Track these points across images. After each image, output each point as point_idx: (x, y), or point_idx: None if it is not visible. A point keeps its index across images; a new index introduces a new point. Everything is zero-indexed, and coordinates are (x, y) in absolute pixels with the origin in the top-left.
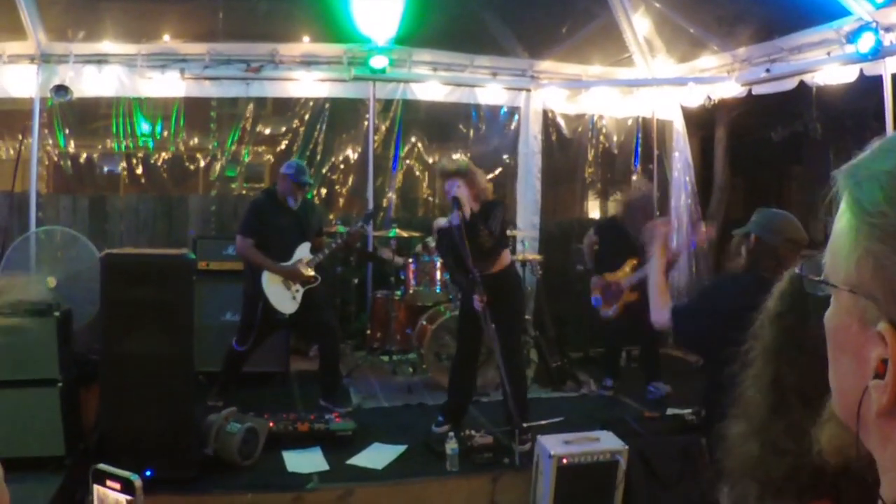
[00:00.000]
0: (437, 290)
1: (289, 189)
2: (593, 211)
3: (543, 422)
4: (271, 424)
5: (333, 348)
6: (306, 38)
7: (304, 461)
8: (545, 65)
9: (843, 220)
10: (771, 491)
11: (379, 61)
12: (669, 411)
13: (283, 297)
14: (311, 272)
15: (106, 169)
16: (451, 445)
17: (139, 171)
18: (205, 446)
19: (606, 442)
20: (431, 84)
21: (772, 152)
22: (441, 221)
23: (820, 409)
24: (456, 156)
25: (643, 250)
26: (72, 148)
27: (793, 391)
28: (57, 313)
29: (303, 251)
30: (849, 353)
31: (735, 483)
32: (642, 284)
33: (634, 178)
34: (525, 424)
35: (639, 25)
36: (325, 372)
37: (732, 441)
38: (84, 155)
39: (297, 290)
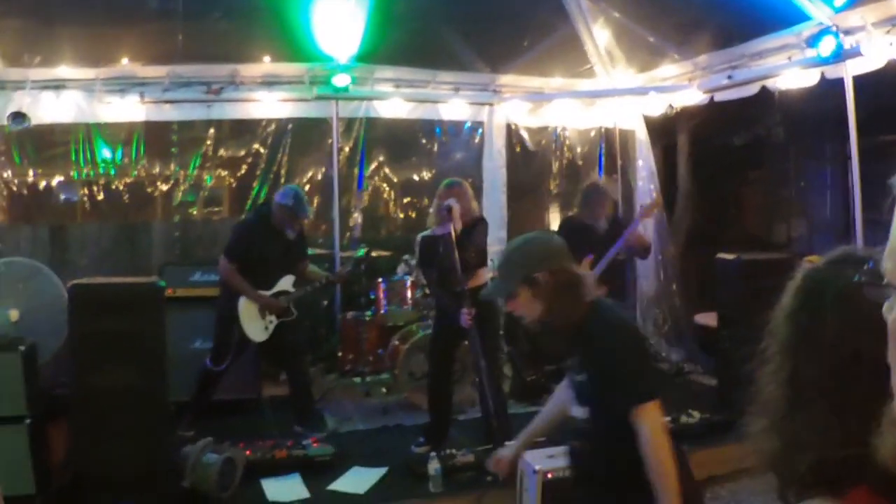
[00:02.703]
0: (409, 310)
1: (287, 220)
2: (558, 222)
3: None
4: (248, 453)
5: (302, 371)
6: (267, 58)
7: (285, 489)
8: (507, 78)
9: None
10: (797, 485)
11: (341, 79)
12: None
13: (256, 325)
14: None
15: (66, 197)
16: (434, 465)
17: (100, 197)
18: (181, 479)
19: None
20: (394, 101)
21: (733, 157)
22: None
23: (841, 403)
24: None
25: (605, 242)
26: (30, 176)
27: (812, 385)
28: (22, 348)
29: (286, 282)
30: None
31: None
32: (607, 276)
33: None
34: (507, 443)
35: (599, 36)
36: (297, 396)
37: (754, 437)
38: (43, 183)
39: (271, 321)
